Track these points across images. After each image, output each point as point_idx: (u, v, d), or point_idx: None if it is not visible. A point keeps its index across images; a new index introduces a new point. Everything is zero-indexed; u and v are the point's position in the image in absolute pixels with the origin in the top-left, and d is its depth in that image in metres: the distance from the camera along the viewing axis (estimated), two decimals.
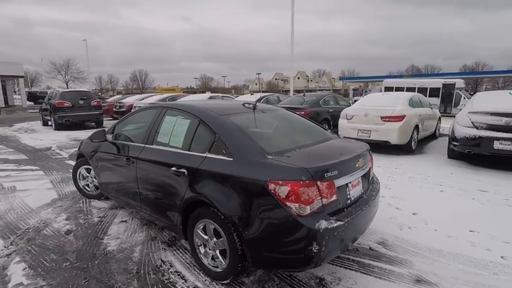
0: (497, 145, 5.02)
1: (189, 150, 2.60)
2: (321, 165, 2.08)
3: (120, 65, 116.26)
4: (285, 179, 1.97)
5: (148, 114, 3.30)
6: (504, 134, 4.96)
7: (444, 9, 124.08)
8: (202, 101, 3.99)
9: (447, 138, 6.18)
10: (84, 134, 10.59)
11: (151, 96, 14.87)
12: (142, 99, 14.24)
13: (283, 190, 1.96)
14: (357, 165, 2.38)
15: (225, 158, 2.30)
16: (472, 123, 5.31)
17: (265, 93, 11.45)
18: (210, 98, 11.80)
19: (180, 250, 2.87)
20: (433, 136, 8.80)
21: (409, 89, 17.63)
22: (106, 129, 3.59)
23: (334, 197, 2.11)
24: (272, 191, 1.98)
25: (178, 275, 2.48)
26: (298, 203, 1.94)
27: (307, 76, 78.93)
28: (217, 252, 2.35)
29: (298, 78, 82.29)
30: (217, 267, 2.37)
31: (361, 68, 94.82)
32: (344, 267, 2.56)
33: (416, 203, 3.91)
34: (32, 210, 3.78)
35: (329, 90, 71.63)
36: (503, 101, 5.54)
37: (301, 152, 2.36)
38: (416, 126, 6.94)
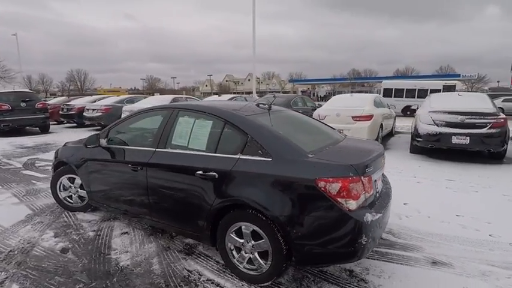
0: (454, 140, 5.76)
1: (215, 153, 2.51)
2: (362, 161, 2.19)
3: (54, 64, 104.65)
4: (335, 176, 2.03)
5: (154, 117, 3.09)
6: (460, 130, 5.72)
7: (378, 18, 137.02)
8: (214, 102, 3.80)
9: (401, 135, 6.91)
10: (28, 141, 9.36)
11: (107, 98, 13.72)
12: (94, 101, 13.07)
13: (334, 187, 2.02)
14: (382, 162, 2.56)
15: (263, 158, 2.27)
16: (433, 121, 6.01)
17: (235, 95, 11.40)
18: (174, 99, 11.34)
19: (202, 257, 2.74)
20: (390, 134, 9.70)
21: (409, 91, 17.77)
22: (99, 133, 3.25)
23: (372, 191, 2.24)
24: (322, 189, 2.03)
25: (213, 283, 2.38)
26: (348, 198, 2.02)
27: (258, 78, 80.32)
28: (256, 254, 2.31)
29: (249, 80, 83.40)
30: (256, 269, 2.33)
31: (307, 71, 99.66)
32: (367, 258, 2.71)
33: (402, 194, 4.28)
34: (7, 230, 3.25)
35: (279, 92, 74.02)
36: (455, 101, 6.39)
37: (333, 150, 2.45)
38: (381, 125, 7.59)
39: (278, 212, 2.13)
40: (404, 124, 12.65)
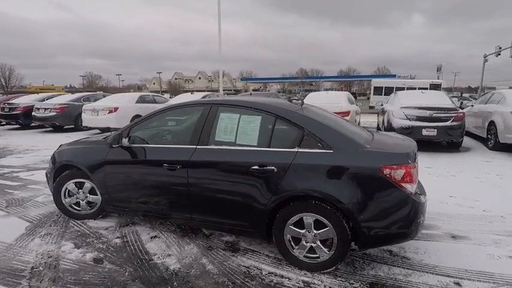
0: (424, 132, 6.52)
1: (269, 147, 2.53)
2: (413, 150, 2.43)
3: None
4: (399, 163, 2.23)
5: (187, 113, 2.97)
6: (428, 123, 6.49)
7: (321, 21, 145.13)
8: (251, 97, 3.66)
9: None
10: None
11: (59, 96, 12.30)
12: (44, 99, 11.64)
13: (398, 173, 2.21)
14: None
15: (323, 150, 2.38)
16: (406, 115, 6.72)
17: (208, 93, 11.16)
18: (140, 97, 10.69)
19: (250, 253, 2.74)
20: None
21: (399, 89, 17.82)
22: (121, 132, 3.00)
23: (418, 176, 2.50)
24: (387, 175, 2.21)
25: (276, 275, 2.41)
26: (410, 183, 2.24)
27: (210, 76, 79.15)
28: (319, 243, 2.41)
29: (200, 78, 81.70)
30: (318, 257, 2.42)
31: (257, 70, 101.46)
32: None
33: None
34: (13, 245, 2.82)
35: (230, 90, 74.03)
36: (420, 97, 7.21)
37: (380, 142, 2.65)
38: (355, 120, 8.20)
39: (345, 200, 2.26)
40: (367, 120, 13.74)
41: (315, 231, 2.39)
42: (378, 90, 19.84)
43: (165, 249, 2.79)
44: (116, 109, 9.36)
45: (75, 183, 3.30)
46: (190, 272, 2.45)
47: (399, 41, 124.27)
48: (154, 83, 79.51)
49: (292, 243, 2.49)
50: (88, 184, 3.27)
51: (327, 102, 7.90)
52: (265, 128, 2.60)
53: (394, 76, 55.92)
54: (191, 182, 2.70)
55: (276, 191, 2.42)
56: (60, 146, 3.63)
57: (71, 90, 64.24)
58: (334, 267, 2.43)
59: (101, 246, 2.83)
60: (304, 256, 2.46)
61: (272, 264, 2.56)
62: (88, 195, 3.32)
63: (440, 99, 7.10)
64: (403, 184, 2.22)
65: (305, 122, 2.53)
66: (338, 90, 64.91)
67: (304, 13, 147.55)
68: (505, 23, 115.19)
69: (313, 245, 2.42)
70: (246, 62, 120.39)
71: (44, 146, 8.07)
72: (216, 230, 3.03)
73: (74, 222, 3.31)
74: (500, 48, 28.46)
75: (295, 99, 3.10)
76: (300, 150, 2.43)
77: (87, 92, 16.31)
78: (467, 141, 7.92)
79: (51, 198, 3.95)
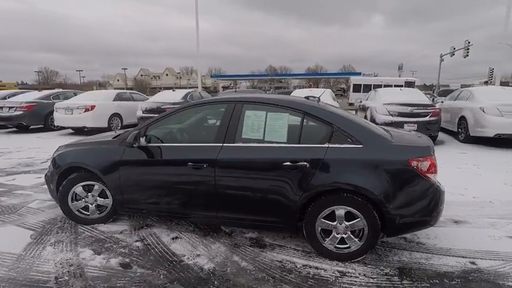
0: (405, 127, 6.96)
1: (299, 143, 2.60)
2: (432, 144, 2.63)
3: None
4: (424, 156, 2.41)
5: (209, 111, 2.93)
6: (409, 118, 6.95)
7: (288, 18, 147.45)
8: (272, 95, 3.62)
9: None
10: None
11: (23, 93, 11.27)
12: (5, 97, 10.63)
13: (425, 165, 2.39)
14: None
15: (353, 145, 2.49)
16: (388, 111, 7.13)
17: (190, 90, 10.91)
18: (118, 95, 10.18)
19: (278, 248, 2.79)
20: None
21: (376, 86, 18.94)
22: (138, 131, 2.89)
23: None
24: (415, 167, 2.38)
25: (310, 267, 2.49)
26: (434, 173, 2.43)
27: (179, 73, 77.04)
28: (350, 233, 2.52)
29: (167, 75, 79.26)
30: (349, 247, 2.54)
31: (226, 67, 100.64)
32: None
33: None
34: (24, 256, 2.60)
35: (197, 87, 72.67)
36: (399, 95, 7.68)
37: (401, 137, 2.81)
38: None
39: (376, 191, 2.39)
40: None
41: (346, 223, 2.50)
42: (357, 88, 20.86)
43: (192, 250, 2.74)
44: (92, 107, 8.83)
45: (84, 186, 3.12)
46: (226, 270, 2.44)
47: (362, 40, 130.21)
48: (118, 80, 75.65)
49: (323, 235, 2.58)
50: (98, 186, 3.10)
51: None
52: (294, 125, 2.66)
53: (359, 74, 58.50)
54: (218, 180, 2.68)
55: (308, 186, 2.49)
56: (59, 148, 3.40)
57: (24, 86, 58.97)
58: (363, 256, 2.56)
59: (123, 250, 2.72)
60: (335, 247, 2.57)
61: (303, 257, 2.64)
62: (98, 198, 3.15)
63: (418, 96, 7.64)
64: (428, 175, 2.40)
65: (333, 118, 2.62)
66: (306, 87, 66.77)
67: (271, 11, 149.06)
68: (457, 25, 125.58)
69: (344, 236, 2.53)
70: (215, 59, 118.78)
71: (15, 148, 7.42)
72: (241, 227, 3.04)
73: (83, 228, 3.13)
74: (454, 49, 30.99)
75: (312, 97, 3.19)
76: (330, 145, 2.52)
77: (44, 89, 15.07)
78: (439, 135, 8.60)
79: (48, 203, 3.72)
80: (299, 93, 9.24)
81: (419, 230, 2.70)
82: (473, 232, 3.07)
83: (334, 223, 2.52)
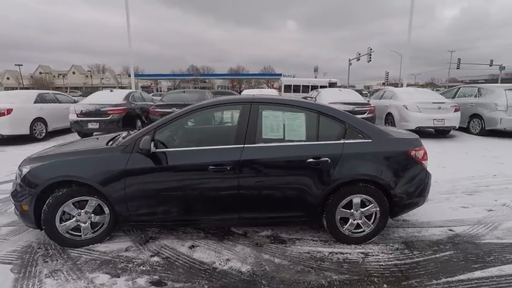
0: None
1: (317, 141, 2.79)
2: (418, 137, 3.14)
3: None
4: (419, 146, 2.89)
5: (223, 113, 2.86)
6: None
7: (206, 18, 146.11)
8: (283, 96, 3.56)
9: None
10: None
11: None
12: None
13: (420, 153, 2.87)
14: None
15: (364, 140, 2.81)
16: None
17: (131, 91, 9.91)
18: (39, 96, 8.62)
19: (297, 241, 2.93)
20: None
21: (304, 87, 20.35)
22: (148, 136, 2.63)
23: None
24: (413, 156, 2.84)
25: (336, 254, 2.71)
26: (425, 160, 2.93)
27: (89, 71, 68.38)
28: (364, 219, 2.84)
29: (74, 73, 69.63)
30: (363, 231, 2.86)
31: (143, 66, 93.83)
32: None
33: None
34: None
35: (115, 87, 66.22)
36: (340, 94, 8.62)
37: (395, 132, 3.24)
38: None
39: (386, 179, 2.76)
40: None
41: (361, 209, 2.81)
42: (288, 88, 22.37)
43: (218, 255, 2.66)
44: (9, 111, 7.29)
45: (75, 202, 2.67)
46: (265, 269, 2.47)
47: (278, 42, 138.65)
48: (8, 78, 62.86)
49: (341, 221, 2.84)
50: (93, 202, 2.71)
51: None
52: (311, 124, 2.83)
53: (280, 75, 62.21)
54: (242, 181, 2.68)
55: (330, 179, 2.71)
56: (27, 161, 2.83)
57: None
58: (375, 238, 2.91)
59: (143, 268, 2.46)
60: (352, 232, 2.85)
61: (325, 246, 2.85)
62: (92, 215, 2.75)
63: (355, 96, 8.72)
64: (422, 161, 2.89)
65: (345, 116, 2.90)
66: (230, 88, 67.52)
67: (188, 9, 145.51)
68: (356, 34, 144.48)
69: (360, 221, 2.84)
70: (130, 56, 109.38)
71: None
72: (262, 225, 3.07)
73: (76, 251, 2.69)
74: (359, 54, 35.83)
75: (310, 97, 3.42)
76: (346, 141, 2.79)
77: None
78: None
79: (6, 230, 3.14)
80: (248, 93, 9.43)
81: (414, 209, 3.19)
82: (437, 207, 3.77)
83: (351, 211, 2.80)
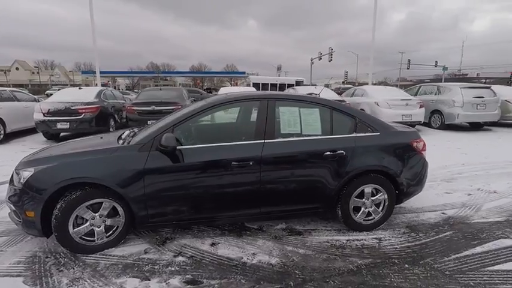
0: None
1: (331, 135, 2.93)
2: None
3: None
4: (418, 138, 3.16)
5: (239, 110, 2.87)
6: None
7: (165, 15, 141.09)
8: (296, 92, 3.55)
9: None
10: None
11: None
12: None
13: (420, 145, 3.14)
14: None
15: (373, 134, 3.01)
16: None
17: (102, 88, 9.24)
18: None
19: (313, 232, 3.04)
20: None
21: (272, 85, 20.32)
22: (170, 133, 2.55)
23: None
24: (415, 147, 3.10)
25: (354, 240, 2.88)
26: (424, 150, 3.22)
27: (36, 67, 62.12)
28: (374, 206, 3.04)
29: (17, 69, 62.94)
30: (373, 219, 3.06)
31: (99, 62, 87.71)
32: None
33: None
34: None
35: (67, 85, 61.17)
36: (317, 92, 8.94)
37: (396, 125, 3.49)
38: None
39: (394, 168, 2.98)
40: None
41: (372, 198, 3.01)
42: (256, 86, 22.65)
43: (243, 251, 2.68)
44: None
45: (89, 206, 2.51)
46: (293, 260, 2.55)
47: (239, 41, 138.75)
48: None
49: (354, 210, 3.01)
50: (107, 204, 2.56)
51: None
52: (325, 119, 2.96)
53: (243, 73, 62.30)
54: (264, 176, 2.72)
55: (345, 170, 2.86)
56: (26, 164, 2.59)
57: None
58: (384, 223, 3.13)
59: (172, 269, 2.40)
60: (364, 220, 3.04)
61: (340, 234, 3.00)
62: (106, 219, 2.60)
63: (331, 94, 9.09)
64: (422, 152, 3.17)
65: (354, 111, 3.07)
66: (192, 86, 65.96)
67: (146, 5, 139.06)
68: (314, 35, 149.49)
69: (371, 209, 3.04)
70: (82, 52, 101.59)
71: None
72: (280, 218, 3.13)
73: (91, 258, 2.52)
74: (321, 53, 37.23)
75: (314, 94, 3.55)
76: (357, 135, 2.96)
77: None
78: None
79: (5, 238, 2.80)
80: (227, 92, 9.36)
81: (415, 195, 3.46)
82: (424, 194, 4.06)
83: (363, 200, 2.99)
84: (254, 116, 2.88)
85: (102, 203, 2.55)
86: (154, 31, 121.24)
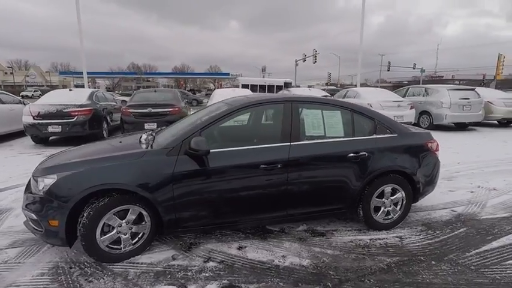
0: None
1: (353, 137, 2.99)
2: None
3: None
4: (432, 139, 3.28)
5: (263, 113, 2.89)
6: None
7: (148, 15, 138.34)
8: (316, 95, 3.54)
9: None
10: None
11: None
12: None
13: (434, 145, 3.26)
14: None
15: (391, 135, 3.10)
16: None
17: (93, 90, 8.89)
18: None
19: (335, 233, 3.09)
20: None
21: (261, 86, 20.28)
22: (200, 137, 2.51)
23: None
24: (429, 147, 3.22)
25: (377, 239, 2.94)
26: (438, 151, 3.34)
27: (10, 67, 59.03)
28: (393, 205, 3.12)
29: None
30: (392, 218, 3.14)
31: (75, 62, 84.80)
32: None
33: None
34: None
35: (43, 86, 58.60)
36: (310, 93, 9.05)
37: (409, 126, 3.60)
38: None
39: (411, 168, 3.08)
40: None
41: (391, 198, 3.09)
42: (245, 87, 22.59)
43: (272, 253, 2.68)
44: None
45: (117, 213, 2.43)
46: (324, 260, 2.57)
47: (222, 42, 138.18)
48: None
49: (375, 210, 3.08)
50: (134, 210, 2.49)
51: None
52: (347, 121, 3.02)
53: (227, 74, 62.20)
54: (291, 178, 2.74)
55: (367, 171, 2.93)
56: (50, 169, 2.47)
57: None
58: (401, 222, 3.22)
59: (206, 274, 2.36)
60: (383, 219, 3.12)
61: (362, 234, 3.06)
62: (132, 226, 2.52)
63: (320, 94, 9.25)
64: (436, 152, 3.29)
65: (373, 113, 3.15)
66: (175, 87, 64.94)
67: (127, 4, 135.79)
68: (296, 37, 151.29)
69: (390, 208, 3.12)
70: (59, 52, 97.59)
71: None
72: (305, 220, 3.15)
73: (118, 267, 2.44)
74: (305, 55, 37.72)
75: (329, 95, 3.61)
76: (377, 136, 3.04)
77: None
78: None
79: (12, 253, 2.68)
80: (222, 93, 9.30)
81: (429, 194, 3.57)
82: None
83: (383, 199, 3.07)
84: (276, 118, 2.90)
85: (128, 209, 2.47)
86: (135, 31, 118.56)
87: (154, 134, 3.18)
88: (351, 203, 2.98)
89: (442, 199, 3.97)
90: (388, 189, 3.05)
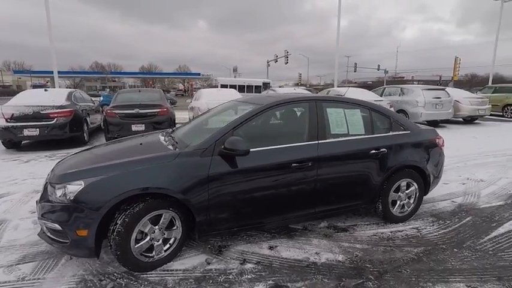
0: None
1: (373, 134, 3.10)
2: None
3: None
4: (438, 135, 3.50)
5: (289, 112, 2.95)
6: None
7: (110, 12, 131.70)
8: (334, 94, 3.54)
9: None
10: None
11: None
12: None
13: (441, 141, 3.49)
14: None
15: (404, 132, 3.26)
16: None
17: (71, 90, 8.25)
18: None
19: (356, 228, 3.18)
20: None
21: (240, 86, 19.88)
22: (237, 137, 2.46)
23: None
24: (437, 143, 3.43)
25: (397, 232, 3.07)
26: (443, 146, 3.57)
27: None
28: (407, 199, 3.28)
29: None
30: (406, 211, 3.30)
31: (31, 61, 78.50)
32: None
33: None
34: None
35: None
36: (217, 94, 9.15)
37: (417, 123, 3.78)
38: None
39: (423, 162, 3.27)
40: None
41: (406, 192, 3.25)
42: (225, 87, 22.42)
43: (305, 251, 2.70)
44: None
45: (152, 218, 2.30)
46: (357, 255, 2.64)
47: (191, 41, 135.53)
48: None
49: (391, 204, 3.22)
50: (168, 215, 2.38)
51: (223, 98, 8.41)
52: (366, 119, 3.12)
53: (198, 74, 61.18)
54: (320, 176, 2.77)
55: (386, 167, 3.06)
56: (74, 175, 2.28)
57: None
58: (414, 215, 3.40)
59: (249, 277, 2.31)
60: (399, 212, 3.27)
61: (381, 227, 3.18)
62: (164, 232, 2.41)
63: (306, 93, 9.46)
64: (442, 147, 3.52)
65: (389, 111, 3.29)
66: (142, 87, 62.47)
67: (88, 1, 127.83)
68: (264, 38, 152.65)
69: (405, 201, 3.28)
70: (11, 50, 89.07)
71: None
72: (331, 216, 3.20)
73: (152, 275, 2.31)
74: (277, 56, 38.23)
75: (339, 94, 3.70)
76: (393, 133, 3.18)
77: None
78: None
79: (34, 264, 2.46)
80: (210, 93, 9.16)
81: (436, 185, 3.78)
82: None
83: (399, 193, 3.22)
84: (303, 117, 2.93)
85: (161, 214, 2.35)
86: (97, 28, 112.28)
87: (172, 134, 3.05)
88: (372, 197, 3.08)
89: (439, 191, 4.23)
90: (403, 183, 3.20)
